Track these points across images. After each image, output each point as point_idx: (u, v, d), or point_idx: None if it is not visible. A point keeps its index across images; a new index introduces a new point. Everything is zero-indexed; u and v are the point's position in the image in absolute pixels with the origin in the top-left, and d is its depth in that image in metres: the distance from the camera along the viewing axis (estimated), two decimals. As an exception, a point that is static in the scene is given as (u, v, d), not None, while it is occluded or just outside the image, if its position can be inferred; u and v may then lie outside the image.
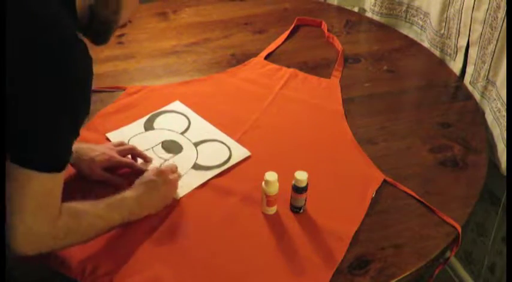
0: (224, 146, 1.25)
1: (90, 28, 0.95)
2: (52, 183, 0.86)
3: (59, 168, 0.86)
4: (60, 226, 0.89)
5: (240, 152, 1.23)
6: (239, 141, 1.27)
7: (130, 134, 1.28)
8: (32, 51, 0.80)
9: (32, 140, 0.82)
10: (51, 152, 0.85)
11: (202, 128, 1.29)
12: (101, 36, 0.99)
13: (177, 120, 1.32)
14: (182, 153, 1.24)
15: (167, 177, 1.11)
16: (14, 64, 0.79)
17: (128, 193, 1.05)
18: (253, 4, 1.87)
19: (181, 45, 1.64)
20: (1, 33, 0.79)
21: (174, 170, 1.16)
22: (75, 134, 0.88)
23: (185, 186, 1.15)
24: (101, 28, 0.97)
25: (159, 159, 1.21)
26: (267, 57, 1.58)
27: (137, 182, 1.09)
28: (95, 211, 0.97)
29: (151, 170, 1.12)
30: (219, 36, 1.69)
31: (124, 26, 0.96)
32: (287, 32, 1.70)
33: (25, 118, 0.82)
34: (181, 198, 1.13)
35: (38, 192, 0.84)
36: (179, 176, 1.15)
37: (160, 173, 1.11)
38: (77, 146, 1.09)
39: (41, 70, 0.80)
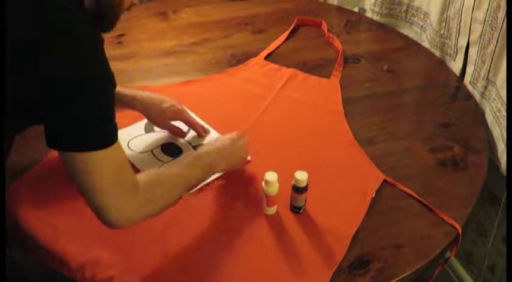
0: None
1: (97, 16, 0.95)
2: (112, 156, 0.86)
3: (109, 142, 0.86)
4: (143, 194, 0.90)
5: None
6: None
7: (130, 135, 1.28)
8: (50, 48, 0.81)
9: (76, 126, 0.83)
10: (99, 130, 0.85)
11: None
12: (106, 22, 0.99)
13: (177, 122, 1.32)
14: (181, 156, 1.23)
15: (244, 138, 1.16)
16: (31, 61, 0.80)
17: (206, 147, 1.09)
18: (253, 4, 1.87)
19: (181, 45, 1.64)
20: (1, 33, 0.79)
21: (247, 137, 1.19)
22: (111, 107, 0.88)
23: None
24: (107, 13, 0.97)
25: (158, 162, 1.21)
26: (267, 57, 1.58)
27: (214, 139, 1.15)
28: (174, 171, 0.99)
29: (229, 134, 1.16)
30: (219, 36, 1.69)
31: (129, 8, 0.97)
32: (287, 32, 1.70)
33: (59, 109, 0.82)
34: (180, 201, 1.12)
35: (106, 168, 0.85)
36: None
37: (238, 134, 1.16)
38: (146, 94, 1.21)
39: (59, 66, 0.81)
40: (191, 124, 1.28)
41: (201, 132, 1.28)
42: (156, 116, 1.24)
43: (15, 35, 0.80)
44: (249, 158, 1.21)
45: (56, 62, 0.81)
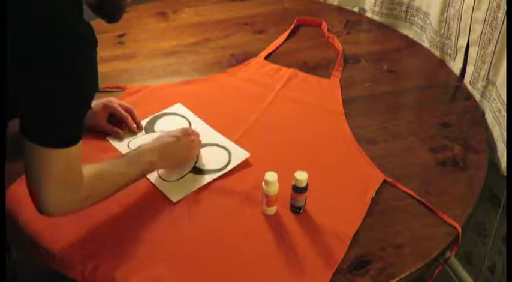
0: (224, 150, 1.24)
1: (100, 6, 0.95)
2: (70, 155, 0.90)
3: (74, 142, 0.90)
4: (84, 189, 0.95)
5: (239, 155, 1.23)
6: (239, 141, 1.27)
7: (131, 135, 1.28)
8: (35, 45, 0.83)
9: (45, 121, 0.87)
10: (65, 129, 0.89)
11: (202, 131, 1.29)
12: (112, 13, 1.00)
13: (178, 123, 1.31)
14: None
15: (190, 136, 1.17)
16: (17, 55, 0.82)
17: (147, 145, 1.10)
18: (253, 4, 1.87)
19: (181, 45, 1.64)
20: (1, 33, 0.79)
21: (197, 134, 1.21)
22: (86, 109, 0.92)
23: (183, 189, 1.14)
24: (111, 4, 0.97)
25: None
26: (267, 57, 1.58)
27: (160, 136, 1.16)
28: (116, 169, 1.03)
29: (175, 129, 1.17)
30: (219, 36, 1.69)
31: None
32: (287, 32, 1.70)
33: (34, 102, 0.86)
34: (178, 201, 1.12)
35: (59, 165, 0.89)
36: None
37: (184, 130, 1.17)
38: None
39: (42, 63, 0.83)
40: (121, 117, 1.27)
41: (134, 129, 1.28)
42: (88, 120, 1.13)
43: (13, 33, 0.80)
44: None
45: (42, 60, 0.83)
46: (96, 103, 1.23)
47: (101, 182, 0.99)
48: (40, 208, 0.92)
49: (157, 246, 1.03)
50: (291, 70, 1.52)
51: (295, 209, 1.11)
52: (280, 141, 1.29)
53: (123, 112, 1.27)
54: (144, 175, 1.10)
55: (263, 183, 1.08)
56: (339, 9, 1.87)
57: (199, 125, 1.32)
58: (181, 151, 1.16)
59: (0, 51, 0.81)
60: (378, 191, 1.16)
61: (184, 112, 1.36)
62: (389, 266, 1.02)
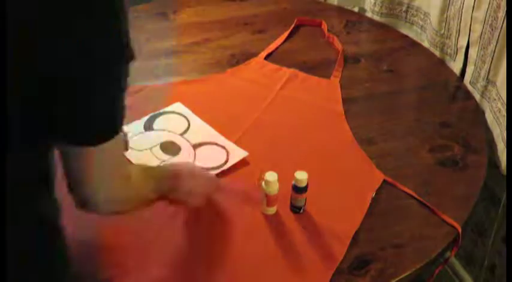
0: (222, 149, 1.25)
1: None
2: (116, 145, 0.79)
3: (118, 132, 0.78)
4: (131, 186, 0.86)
5: (237, 154, 1.23)
6: (239, 141, 1.27)
7: (129, 133, 1.28)
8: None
9: (86, 121, 0.75)
10: (110, 124, 0.77)
11: (201, 130, 1.29)
12: None
13: (176, 121, 1.32)
14: (180, 154, 1.24)
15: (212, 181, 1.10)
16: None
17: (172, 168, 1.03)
18: (253, 4, 1.87)
19: (181, 45, 1.64)
20: (1, 33, 0.79)
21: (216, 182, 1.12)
22: (124, 92, 0.80)
23: None
24: None
25: (157, 160, 1.21)
26: (267, 57, 1.58)
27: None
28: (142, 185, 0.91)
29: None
30: (219, 36, 1.69)
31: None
32: (287, 32, 1.70)
33: (75, 102, 0.73)
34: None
35: (108, 159, 0.79)
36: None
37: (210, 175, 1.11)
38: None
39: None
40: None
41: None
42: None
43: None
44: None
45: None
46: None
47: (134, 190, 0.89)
48: (93, 206, 0.81)
49: (157, 246, 1.03)
50: (291, 70, 1.52)
51: (295, 209, 1.11)
52: (280, 141, 1.29)
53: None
54: (149, 200, 0.95)
55: (263, 183, 1.08)
56: (339, 9, 1.87)
57: (197, 124, 1.32)
58: (201, 187, 1.07)
59: (0, 51, 0.80)
60: (378, 191, 1.16)
61: (183, 111, 1.36)
62: (389, 266, 1.02)
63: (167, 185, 0.97)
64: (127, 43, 0.78)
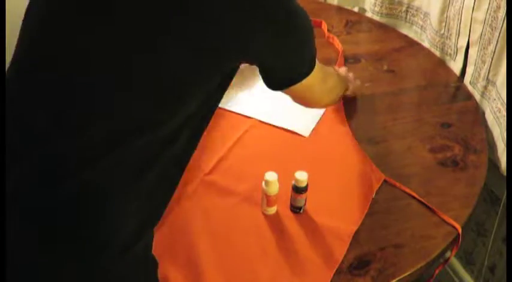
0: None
1: None
2: (322, 69, 1.04)
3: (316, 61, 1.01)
4: (330, 84, 1.15)
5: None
6: (239, 140, 1.27)
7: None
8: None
9: (299, 66, 0.98)
10: (312, 59, 1.00)
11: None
12: None
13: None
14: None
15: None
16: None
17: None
18: (253, 4, 1.87)
19: (182, 45, 1.64)
20: (2, 30, 0.79)
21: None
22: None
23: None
24: None
25: None
26: (267, 57, 1.58)
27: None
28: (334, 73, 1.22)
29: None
30: (219, 36, 1.69)
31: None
32: (287, 32, 1.69)
33: (284, 58, 0.94)
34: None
35: (320, 83, 1.05)
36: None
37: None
38: None
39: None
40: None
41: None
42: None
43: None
44: (358, 82, 1.39)
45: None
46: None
47: (333, 78, 1.17)
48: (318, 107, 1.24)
49: (157, 246, 1.03)
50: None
51: (295, 209, 1.11)
52: (281, 141, 1.29)
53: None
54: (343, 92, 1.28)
55: (263, 183, 1.08)
56: (339, 9, 1.87)
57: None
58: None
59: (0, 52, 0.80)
60: (378, 191, 1.16)
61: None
62: (389, 266, 1.02)
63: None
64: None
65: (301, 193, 1.08)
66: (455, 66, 1.55)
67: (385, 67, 1.57)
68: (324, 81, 1.09)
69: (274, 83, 0.98)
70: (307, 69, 0.98)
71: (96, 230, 0.80)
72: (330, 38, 1.68)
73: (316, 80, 1.01)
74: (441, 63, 1.60)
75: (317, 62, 1.00)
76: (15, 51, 0.88)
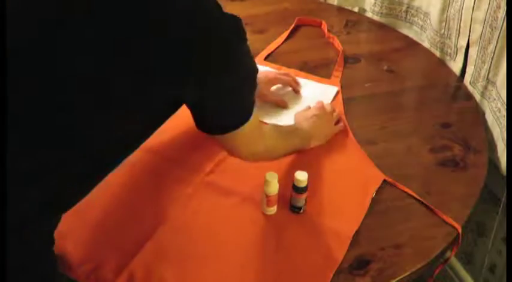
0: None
1: None
2: (253, 122, 0.98)
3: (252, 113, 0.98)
4: (267, 144, 1.09)
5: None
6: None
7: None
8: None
9: (231, 114, 0.96)
10: (248, 110, 0.97)
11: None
12: None
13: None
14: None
15: (326, 111, 1.29)
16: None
17: (298, 125, 1.24)
18: (253, 4, 1.87)
19: (182, 45, 1.64)
20: (1, 33, 0.79)
21: (332, 110, 1.32)
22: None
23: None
24: None
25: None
26: (267, 58, 1.58)
27: (299, 116, 1.28)
28: (281, 135, 1.17)
29: (313, 107, 1.31)
30: (219, 36, 1.69)
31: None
32: (287, 32, 1.70)
33: (218, 106, 0.93)
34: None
35: (248, 134, 0.99)
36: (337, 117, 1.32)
37: (321, 108, 1.29)
38: None
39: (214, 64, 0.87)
40: (288, 82, 1.41)
41: (299, 90, 1.42)
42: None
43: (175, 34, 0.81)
44: (341, 124, 1.31)
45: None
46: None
47: (274, 140, 1.12)
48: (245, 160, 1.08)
49: (158, 246, 1.03)
50: (291, 70, 1.52)
51: (295, 209, 1.11)
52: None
53: (284, 77, 1.40)
54: (296, 150, 1.20)
55: (263, 183, 1.08)
56: (339, 9, 1.87)
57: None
58: (326, 128, 1.28)
59: (0, 52, 0.80)
60: (378, 191, 1.16)
61: None
62: (389, 266, 1.02)
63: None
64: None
65: (301, 193, 1.08)
66: (455, 66, 1.55)
67: (385, 67, 1.57)
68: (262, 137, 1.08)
69: (205, 126, 0.97)
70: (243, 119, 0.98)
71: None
72: (330, 38, 1.68)
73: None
74: (441, 63, 1.60)
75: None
76: None
